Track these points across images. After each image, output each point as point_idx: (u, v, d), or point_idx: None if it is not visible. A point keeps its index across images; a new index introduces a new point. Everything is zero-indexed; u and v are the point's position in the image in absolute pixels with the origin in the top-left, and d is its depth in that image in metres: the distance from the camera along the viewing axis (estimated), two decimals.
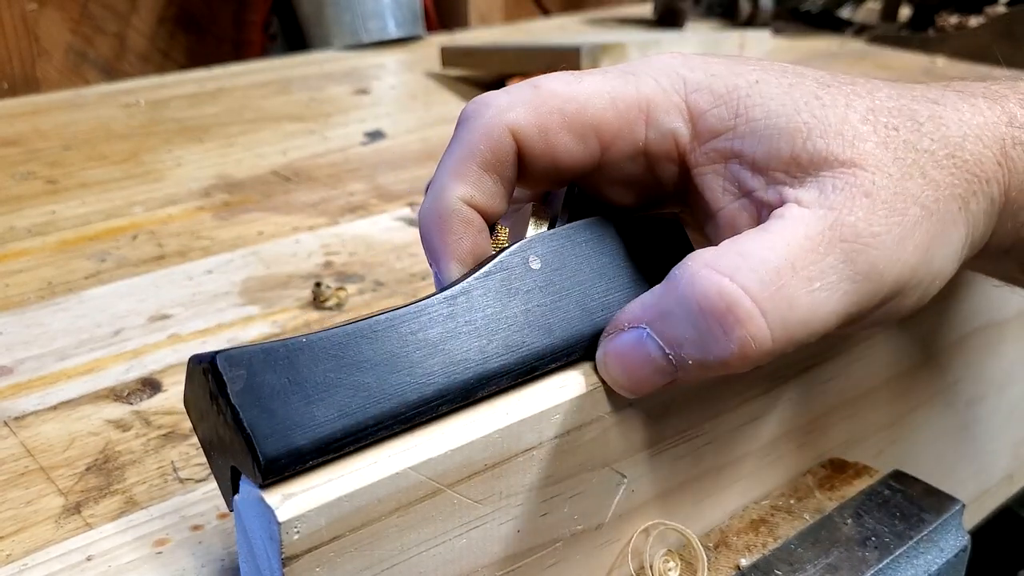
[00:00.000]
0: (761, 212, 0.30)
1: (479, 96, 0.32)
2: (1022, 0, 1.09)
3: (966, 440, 0.49)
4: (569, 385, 0.29)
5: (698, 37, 1.17)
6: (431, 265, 0.32)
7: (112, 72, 1.33)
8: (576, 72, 0.32)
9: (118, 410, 0.42)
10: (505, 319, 0.29)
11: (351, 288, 0.53)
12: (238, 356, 0.25)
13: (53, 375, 0.45)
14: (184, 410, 0.42)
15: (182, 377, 0.44)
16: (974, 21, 1.12)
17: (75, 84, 1.27)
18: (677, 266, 0.28)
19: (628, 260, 0.32)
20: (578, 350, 0.30)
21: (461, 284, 0.29)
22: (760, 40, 1.17)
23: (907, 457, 0.45)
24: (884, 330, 0.35)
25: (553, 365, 0.29)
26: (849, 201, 0.28)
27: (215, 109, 0.90)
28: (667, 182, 0.32)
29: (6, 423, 0.41)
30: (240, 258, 0.58)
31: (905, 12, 1.24)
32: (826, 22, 1.24)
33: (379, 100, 0.94)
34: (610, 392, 0.29)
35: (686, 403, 0.32)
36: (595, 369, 0.29)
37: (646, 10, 1.36)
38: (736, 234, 0.29)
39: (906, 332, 0.40)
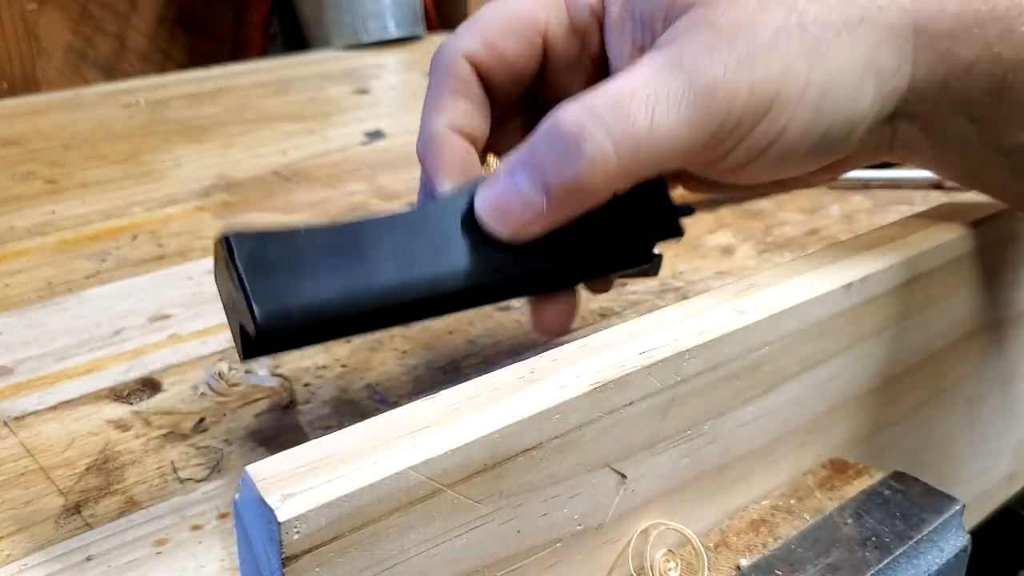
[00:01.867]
0: None
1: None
2: None
3: (967, 440, 0.49)
4: (569, 385, 0.29)
5: None
6: (430, 190, 0.36)
7: (112, 72, 1.33)
8: None
9: (118, 410, 0.42)
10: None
11: None
12: (247, 234, 0.30)
13: (53, 375, 0.45)
14: (184, 411, 0.42)
15: (182, 377, 0.44)
16: None
17: (75, 84, 1.27)
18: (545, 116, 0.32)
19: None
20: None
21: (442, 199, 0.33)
22: None
23: (908, 457, 0.45)
24: (792, 164, 0.34)
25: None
26: (691, 33, 0.31)
27: (215, 109, 0.90)
28: (599, 59, 0.37)
29: (6, 423, 0.41)
30: None
31: None
32: None
33: (379, 100, 0.94)
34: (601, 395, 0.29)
35: (686, 403, 0.32)
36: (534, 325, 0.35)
37: None
38: None
39: (906, 331, 0.40)
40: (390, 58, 1.14)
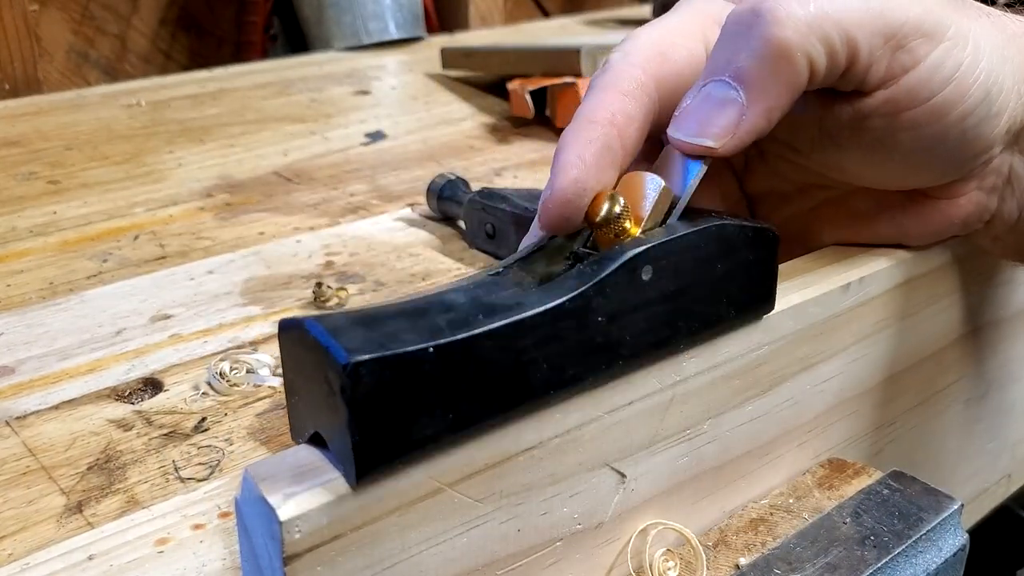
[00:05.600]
0: None
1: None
2: (1019, 2, 1.09)
3: (964, 440, 0.49)
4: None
5: None
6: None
7: (113, 73, 1.33)
8: None
9: (120, 410, 0.42)
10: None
11: (352, 288, 0.53)
12: (372, 366, 0.23)
13: (55, 375, 0.45)
14: (185, 410, 0.42)
15: (183, 377, 0.45)
16: None
17: (76, 85, 1.27)
18: None
19: (724, 275, 0.31)
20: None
21: (573, 295, 0.27)
22: None
23: (906, 456, 0.45)
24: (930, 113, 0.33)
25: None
26: None
27: (216, 110, 0.90)
28: None
29: (8, 423, 0.41)
30: (241, 258, 0.58)
31: None
32: None
33: (380, 101, 0.94)
34: (612, 391, 0.29)
35: (685, 402, 0.32)
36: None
37: (645, 11, 1.36)
38: None
39: (904, 331, 0.40)
40: (391, 59, 1.14)
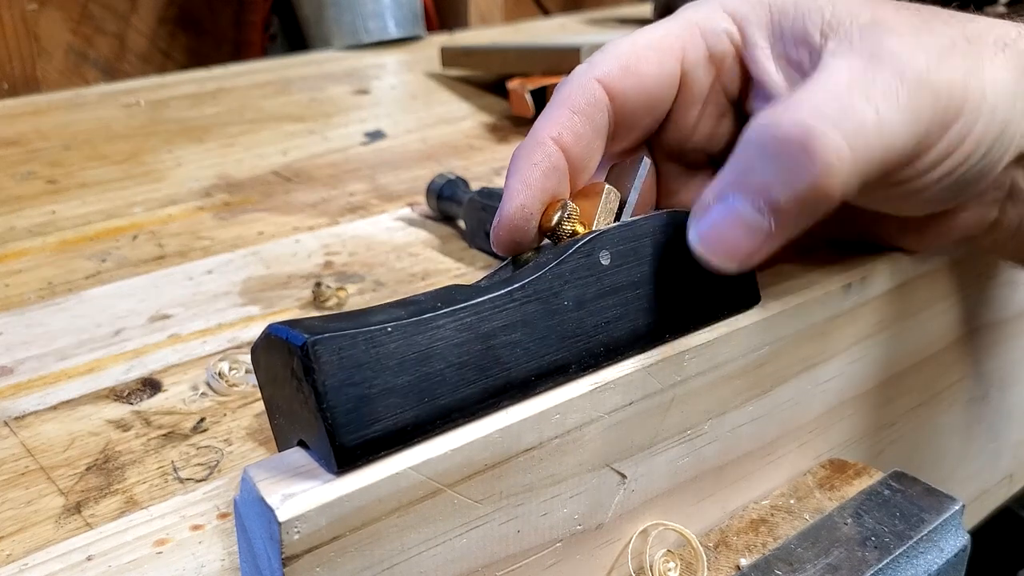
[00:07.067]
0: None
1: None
2: (1021, 1, 1.09)
3: (966, 440, 0.49)
4: (569, 385, 0.29)
5: None
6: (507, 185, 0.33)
7: (112, 72, 1.33)
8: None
9: (118, 410, 0.42)
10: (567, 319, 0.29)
11: (351, 288, 0.53)
12: (330, 343, 0.24)
13: (53, 375, 0.45)
14: (184, 411, 0.42)
15: (182, 377, 0.44)
16: None
17: (75, 84, 1.27)
18: (744, 131, 0.29)
19: (692, 264, 0.31)
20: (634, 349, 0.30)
21: (531, 278, 0.28)
22: None
23: (907, 457, 0.45)
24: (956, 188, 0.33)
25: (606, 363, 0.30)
26: (875, 36, 0.30)
27: (215, 109, 0.90)
28: (732, 88, 0.36)
29: (6, 423, 0.41)
30: (240, 258, 0.58)
31: None
32: None
33: (379, 100, 0.94)
34: (608, 392, 0.29)
35: (686, 402, 0.32)
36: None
37: (646, 10, 1.36)
38: None
39: (905, 332, 0.40)
40: (390, 58, 1.14)
